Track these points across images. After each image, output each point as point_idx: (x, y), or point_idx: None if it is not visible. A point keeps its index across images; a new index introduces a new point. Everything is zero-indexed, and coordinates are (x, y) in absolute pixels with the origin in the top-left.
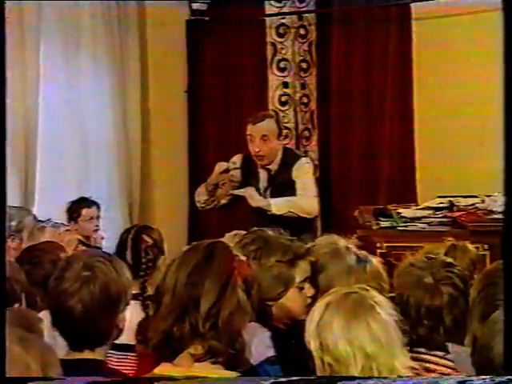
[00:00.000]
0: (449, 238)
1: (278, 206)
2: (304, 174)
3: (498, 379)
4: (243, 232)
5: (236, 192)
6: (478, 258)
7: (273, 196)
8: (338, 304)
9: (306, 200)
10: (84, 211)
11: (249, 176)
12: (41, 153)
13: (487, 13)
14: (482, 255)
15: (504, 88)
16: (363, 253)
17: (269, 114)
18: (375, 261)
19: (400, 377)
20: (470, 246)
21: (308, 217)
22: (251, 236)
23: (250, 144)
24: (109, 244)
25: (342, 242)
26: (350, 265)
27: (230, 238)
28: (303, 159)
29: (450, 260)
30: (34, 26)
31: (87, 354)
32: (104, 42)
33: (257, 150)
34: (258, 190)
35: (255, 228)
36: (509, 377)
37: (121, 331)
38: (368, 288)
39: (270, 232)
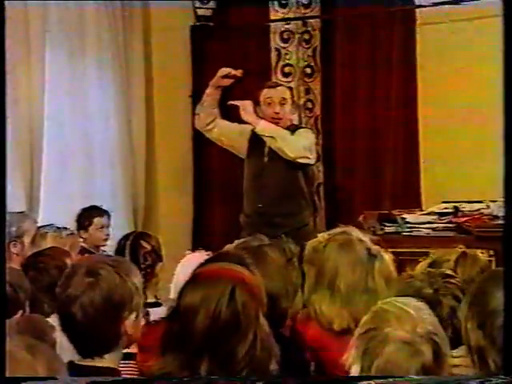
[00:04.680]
0: (460, 246)
1: (263, 127)
2: (300, 133)
3: (495, 380)
4: (241, 240)
5: (233, 102)
6: (488, 268)
7: (272, 158)
8: None
9: (293, 138)
10: (96, 220)
11: (256, 144)
12: (46, 158)
13: (492, 18)
14: (488, 261)
15: (504, 93)
16: (376, 248)
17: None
18: (387, 258)
19: (401, 377)
20: (481, 255)
21: (290, 156)
22: (246, 246)
23: (265, 108)
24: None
25: (356, 233)
26: (358, 257)
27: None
28: (304, 128)
29: (449, 272)
30: (39, 31)
31: (98, 362)
32: (109, 47)
33: (277, 111)
34: (261, 158)
35: (257, 235)
36: (509, 377)
37: (131, 338)
38: None
39: (258, 241)
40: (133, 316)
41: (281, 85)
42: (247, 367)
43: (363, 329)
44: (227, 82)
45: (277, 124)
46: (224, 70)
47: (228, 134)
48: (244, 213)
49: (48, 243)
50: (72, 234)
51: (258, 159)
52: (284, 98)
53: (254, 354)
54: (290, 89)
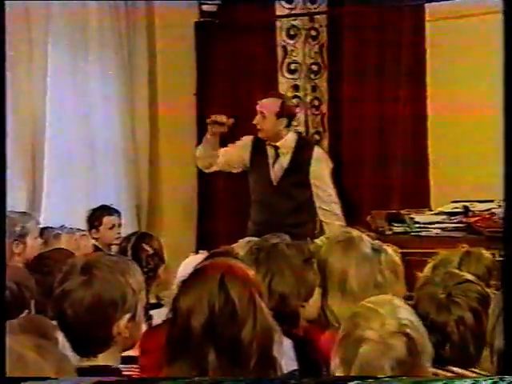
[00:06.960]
0: (463, 245)
1: None
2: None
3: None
4: (256, 239)
5: None
6: (494, 265)
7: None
8: None
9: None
10: (105, 219)
11: (258, 153)
12: (48, 157)
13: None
14: (499, 261)
15: (504, 91)
16: (378, 243)
17: (278, 94)
18: (391, 251)
19: (406, 377)
20: (486, 253)
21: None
22: (262, 244)
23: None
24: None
25: (355, 232)
26: (364, 252)
27: (242, 245)
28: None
29: (470, 277)
30: (42, 30)
31: (92, 361)
32: (112, 44)
33: (255, 122)
34: (266, 165)
35: (265, 236)
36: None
37: (127, 340)
38: None
39: (277, 238)
40: (126, 317)
41: (271, 97)
42: (256, 354)
43: (340, 336)
44: (222, 128)
45: (260, 133)
46: (214, 118)
47: (231, 162)
48: (252, 220)
49: (62, 244)
50: (85, 234)
51: (264, 170)
52: (262, 112)
53: (256, 335)
54: (282, 102)
